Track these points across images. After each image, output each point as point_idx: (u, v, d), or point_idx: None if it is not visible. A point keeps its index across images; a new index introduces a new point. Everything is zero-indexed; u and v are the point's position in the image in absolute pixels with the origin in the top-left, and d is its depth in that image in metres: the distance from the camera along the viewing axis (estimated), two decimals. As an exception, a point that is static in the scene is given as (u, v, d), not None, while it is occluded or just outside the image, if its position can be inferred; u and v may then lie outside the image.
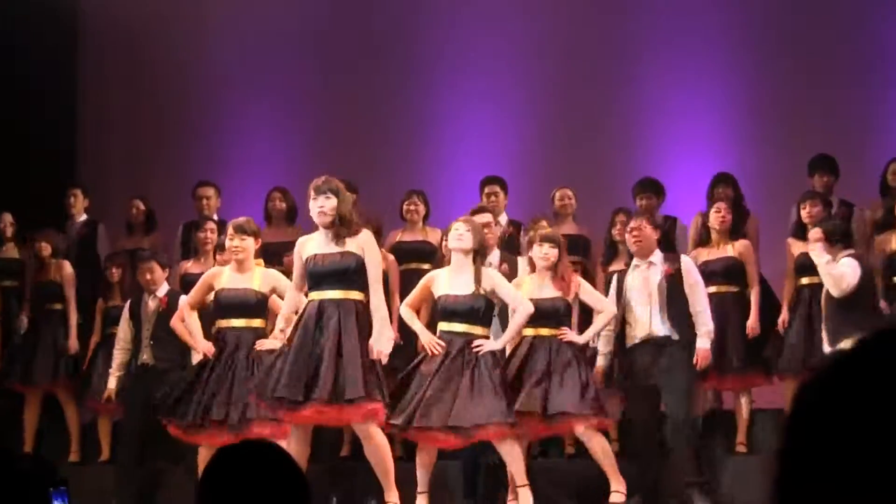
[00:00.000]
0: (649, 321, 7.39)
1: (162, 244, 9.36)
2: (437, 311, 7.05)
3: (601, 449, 7.10)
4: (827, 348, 7.31)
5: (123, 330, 8.23)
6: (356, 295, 6.52)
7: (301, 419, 6.48)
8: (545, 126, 10.78)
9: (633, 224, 7.57)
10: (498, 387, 6.79)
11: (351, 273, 6.49)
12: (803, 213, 8.04)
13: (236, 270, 7.22)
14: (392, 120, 11.07)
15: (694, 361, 7.34)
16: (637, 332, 7.41)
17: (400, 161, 10.71)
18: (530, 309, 6.95)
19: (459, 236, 6.94)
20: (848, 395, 1.02)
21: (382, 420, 6.57)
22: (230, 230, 7.23)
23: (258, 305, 7.20)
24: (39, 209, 9.71)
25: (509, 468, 6.90)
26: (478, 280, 6.89)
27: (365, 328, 6.47)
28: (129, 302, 8.33)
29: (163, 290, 8.20)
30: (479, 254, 6.98)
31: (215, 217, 9.19)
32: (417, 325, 7.05)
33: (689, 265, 7.56)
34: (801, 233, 8.00)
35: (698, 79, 10.57)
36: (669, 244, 8.52)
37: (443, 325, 7.00)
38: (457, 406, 6.71)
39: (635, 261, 7.55)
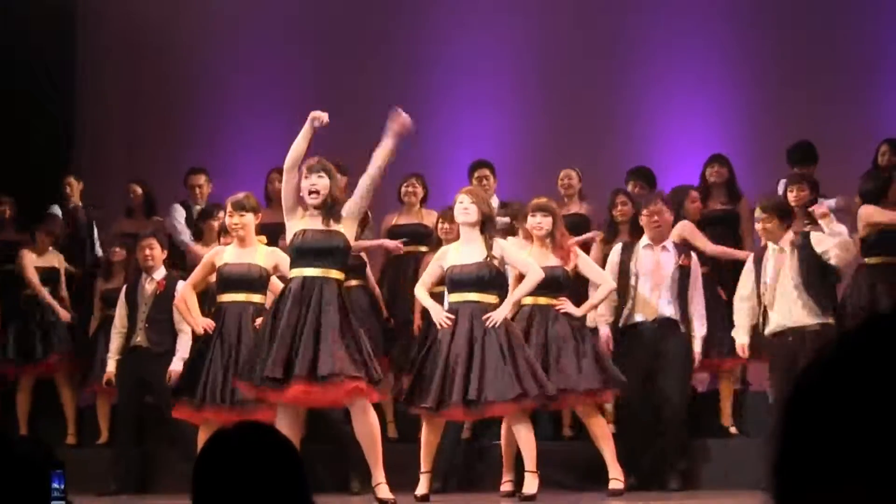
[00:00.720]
0: (657, 303, 7.44)
1: (163, 228, 9.35)
2: (447, 283, 6.99)
3: (601, 433, 7.11)
4: (813, 320, 7.13)
5: (121, 314, 8.23)
6: (337, 274, 6.49)
7: (287, 399, 6.39)
8: (546, 109, 10.81)
9: (652, 208, 7.59)
10: (509, 359, 6.72)
11: (335, 252, 6.47)
12: (790, 196, 8.03)
13: (239, 246, 7.19)
14: (390, 105, 11.05)
15: (692, 361, 7.54)
16: (641, 312, 7.47)
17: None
18: (540, 274, 6.91)
19: (465, 210, 6.89)
20: (850, 379, 1.01)
21: (374, 398, 6.53)
22: (229, 208, 7.22)
23: (260, 281, 7.17)
24: (39, 196, 9.73)
25: (522, 452, 6.84)
26: (489, 247, 6.83)
27: (345, 307, 6.45)
28: (126, 285, 8.33)
29: (160, 273, 8.20)
30: (486, 223, 6.90)
31: (203, 204, 9.24)
32: (429, 303, 6.98)
33: (696, 266, 7.66)
34: None
35: (698, 67, 10.64)
36: None
37: (452, 297, 6.93)
38: (472, 380, 6.64)
39: (647, 241, 7.58)
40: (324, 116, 6.55)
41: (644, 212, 7.62)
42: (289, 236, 6.59)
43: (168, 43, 11.26)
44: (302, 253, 6.47)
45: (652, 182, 8.99)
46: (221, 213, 8.59)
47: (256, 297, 7.18)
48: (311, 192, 6.48)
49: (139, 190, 9.61)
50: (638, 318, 7.49)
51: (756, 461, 6.97)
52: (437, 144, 10.73)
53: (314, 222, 6.51)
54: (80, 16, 11.60)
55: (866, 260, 7.85)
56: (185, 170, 9.66)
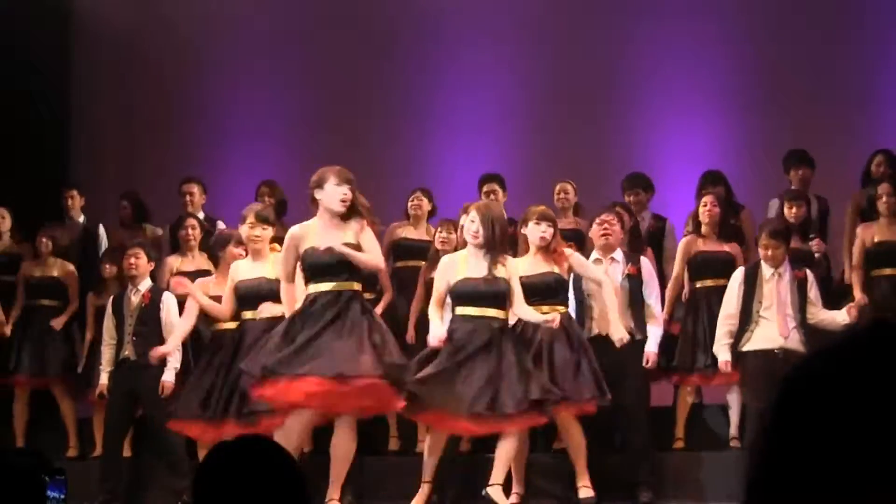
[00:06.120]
0: (608, 318, 7.36)
1: (154, 238, 9.33)
2: (456, 295, 6.82)
3: (577, 442, 7.03)
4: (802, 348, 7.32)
5: (108, 326, 8.17)
6: (355, 286, 6.52)
7: (301, 395, 6.30)
8: (543, 122, 10.84)
9: (604, 217, 7.53)
10: (527, 371, 6.71)
11: (346, 265, 6.46)
12: (789, 213, 8.12)
13: (253, 259, 7.24)
14: (388, 114, 11.09)
15: (644, 362, 7.42)
16: (597, 325, 7.39)
17: (396, 156, 10.75)
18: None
19: (475, 232, 6.78)
20: (832, 388, 1.02)
21: (397, 404, 6.49)
22: (251, 219, 7.21)
23: (271, 294, 7.08)
24: (36, 208, 9.73)
25: (496, 460, 6.77)
26: (498, 264, 6.75)
27: (368, 309, 6.49)
28: (112, 297, 8.28)
29: (145, 284, 8.12)
30: (493, 244, 6.79)
31: (200, 214, 9.20)
32: (437, 322, 6.80)
33: (648, 267, 7.61)
34: None
35: (697, 76, 10.67)
36: (657, 242, 8.58)
37: (466, 310, 6.78)
38: (503, 392, 6.58)
39: (596, 255, 7.53)
40: None
41: (596, 221, 7.55)
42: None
43: (163, 56, 11.29)
44: (318, 268, 6.48)
45: (650, 188, 8.95)
46: (189, 220, 8.70)
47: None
48: (342, 202, 6.47)
49: (127, 205, 9.61)
50: (595, 331, 7.39)
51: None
52: (437, 157, 10.76)
53: (325, 238, 6.48)
54: (76, 27, 11.62)
55: (886, 271, 8.01)
56: (179, 181, 9.66)
